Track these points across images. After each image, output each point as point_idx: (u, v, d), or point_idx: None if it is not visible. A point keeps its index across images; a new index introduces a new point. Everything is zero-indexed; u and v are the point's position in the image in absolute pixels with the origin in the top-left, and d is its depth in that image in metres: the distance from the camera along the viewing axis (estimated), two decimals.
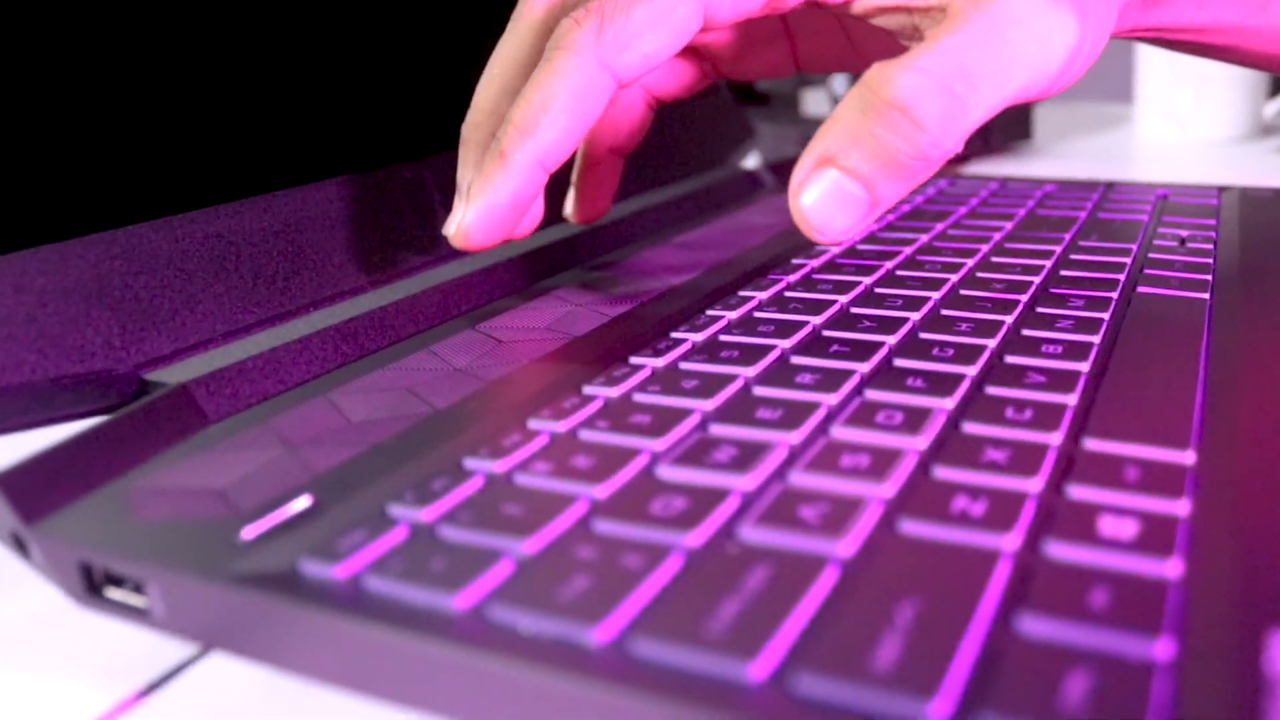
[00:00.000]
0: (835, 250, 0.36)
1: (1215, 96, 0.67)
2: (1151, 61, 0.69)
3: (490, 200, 0.26)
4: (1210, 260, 0.33)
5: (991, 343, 0.26)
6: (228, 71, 0.30)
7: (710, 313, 0.30)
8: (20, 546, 0.20)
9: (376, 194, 0.32)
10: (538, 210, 0.30)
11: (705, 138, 0.50)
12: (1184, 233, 0.37)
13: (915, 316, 0.28)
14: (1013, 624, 0.15)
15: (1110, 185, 0.47)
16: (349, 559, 0.17)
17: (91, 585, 0.19)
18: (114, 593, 0.19)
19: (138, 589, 0.19)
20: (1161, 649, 0.14)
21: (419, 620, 0.16)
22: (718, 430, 0.22)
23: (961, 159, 0.66)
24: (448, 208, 0.34)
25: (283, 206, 0.30)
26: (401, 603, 0.17)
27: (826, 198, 0.25)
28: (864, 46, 0.34)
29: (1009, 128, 0.67)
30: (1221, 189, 0.45)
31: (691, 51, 0.34)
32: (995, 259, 0.34)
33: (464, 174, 0.28)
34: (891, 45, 0.34)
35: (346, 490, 0.20)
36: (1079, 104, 0.94)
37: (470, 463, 0.21)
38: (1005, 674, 0.14)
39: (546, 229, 0.38)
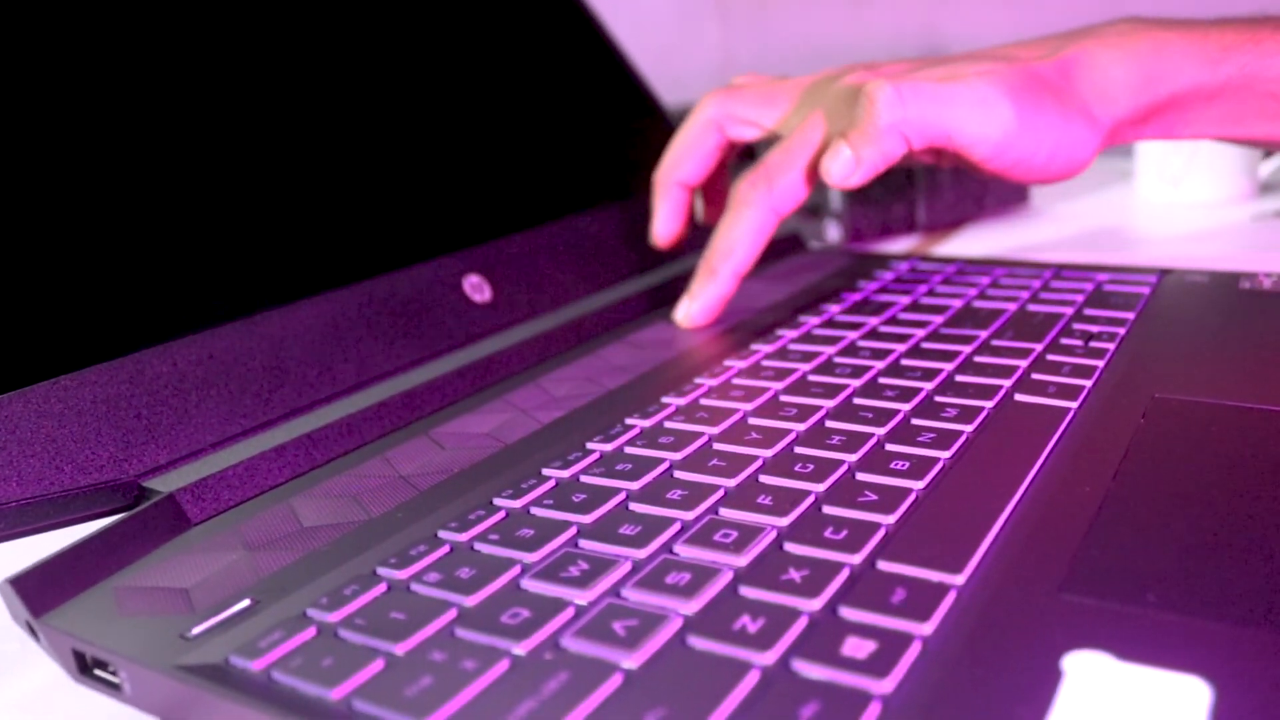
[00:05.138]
0: (766, 349, 0.41)
1: (1209, 158, 0.70)
2: None
3: (707, 299, 0.46)
4: (1101, 363, 0.37)
5: (852, 458, 0.30)
6: (221, 214, 0.35)
7: (628, 421, 0.34)
8: (33, 633, 0.26)
9: (351, 307, 0.38)
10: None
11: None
12: (1094, 328, 0.41)
13: (800, 428, 0.33)
14: None
15: (1059, 270, 0.50)
16: (265, 656, 0.23)
17: (84, 667, 0.25)
18: (99, 673, 0.25)
19: (114, 673, 0.24)
20: None
21: (304, 708, 0.21)
22: (586, 546, 0.26)
23: (955, 224, 0.70)
24: (414, 319, 0.40)
25: (266, 326, 0.35)
26: (297, 692, 0.22)
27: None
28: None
29: (1004, 192, 0.71)
30: (1164, 272, 0.48)
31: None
32: (906, 361, 0.38)
33: (660, 206, 0.49)
34: None
35: (283, 592, 0.25)
36: None
37: (382, 570, 0.26)
38: None
39: (516, 327, 0.43)
